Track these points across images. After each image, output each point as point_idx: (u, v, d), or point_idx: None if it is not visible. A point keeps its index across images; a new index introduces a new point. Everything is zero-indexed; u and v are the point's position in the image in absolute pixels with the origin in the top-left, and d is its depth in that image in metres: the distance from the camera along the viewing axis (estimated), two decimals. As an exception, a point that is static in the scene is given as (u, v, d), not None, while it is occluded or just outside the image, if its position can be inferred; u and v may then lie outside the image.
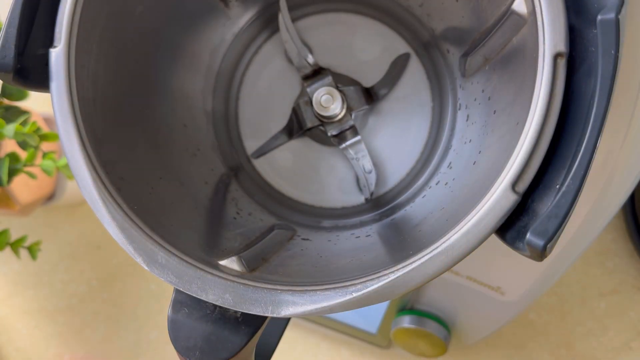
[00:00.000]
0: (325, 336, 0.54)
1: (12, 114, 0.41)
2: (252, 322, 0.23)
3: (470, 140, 0.30)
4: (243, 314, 0.22)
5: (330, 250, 0.30)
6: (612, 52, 0.19)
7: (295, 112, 0.34)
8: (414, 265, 0.20)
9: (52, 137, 0.39)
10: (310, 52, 0.34)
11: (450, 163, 0.32)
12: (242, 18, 0.35)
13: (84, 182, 0.22)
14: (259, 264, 0.25)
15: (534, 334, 0.52)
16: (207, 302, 0.22)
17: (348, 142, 0.33)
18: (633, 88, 0.31)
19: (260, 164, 0.35)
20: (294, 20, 0.34)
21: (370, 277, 0.21)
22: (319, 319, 0.50)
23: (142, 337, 0.57)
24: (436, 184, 0.32)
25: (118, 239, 0.22)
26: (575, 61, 0.21)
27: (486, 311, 0.41)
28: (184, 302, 0.23)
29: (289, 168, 0.35)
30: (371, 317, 0.47)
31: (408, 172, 0.34)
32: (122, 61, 0.27)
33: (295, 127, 0.34)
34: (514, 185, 0.20)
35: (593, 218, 0.35)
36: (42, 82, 0.23)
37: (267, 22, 0.35)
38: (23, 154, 0.41)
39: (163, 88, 0.31)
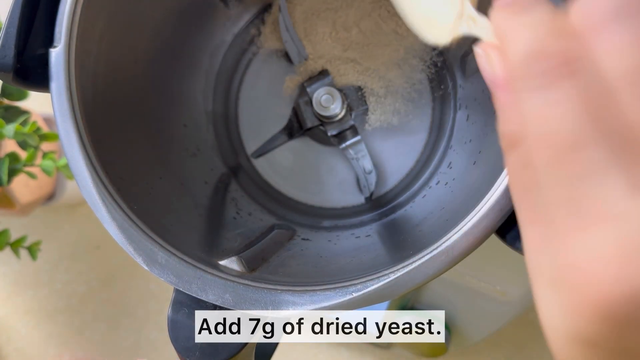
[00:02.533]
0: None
1: (12, 114, 0.41)
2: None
3: (470, 140, 0.30)
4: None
5: (330, 250, 0.30)
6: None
7: (296, 112, 0.34)
8: (414, 265, 0.20)
9: (52, 137, 0.39)
10: (310, 52, 0.34)
11: (450, 163, 0.32)
12: (242, 18, 0.35)
13: (84, 182, 0.22)
14: (259, 264, 0.25)
15: (534, 334, 0.52)
16: (207, 302, 0.22)
17: (348, 142, 0.33)
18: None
19: (260, 164, 0.35)
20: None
21: (371, 277, 0.21)
22: (319, 319, 0.49)
23: (142, 337, 0.57)
24: (436, 183, 0.32)
25: (118, 239, 0.22)
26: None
27: (486, 311, 0.41)
28: (184, 302, 0.23)
29: (289, 168, 0.35)
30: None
31: (408, 172, 0.34)
32: (122, 61, 0.27)
33: (295, 127, 0.34)
34: (514, 185, 0.20)
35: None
36: (42, 82, 0.23)
37: (267, 23, 0.35)
38: (23, 154, 0.41)
39: (163, 88, 0.31)
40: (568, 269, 0.11)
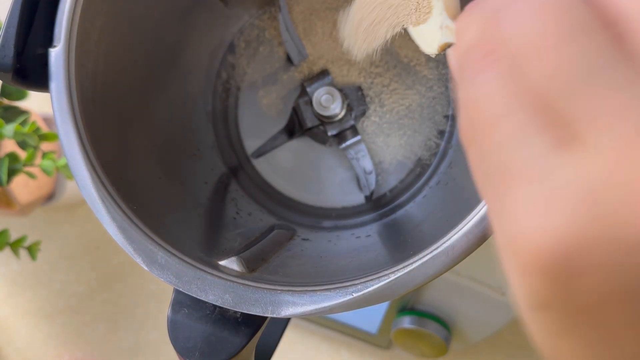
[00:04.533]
0: (325, 337, 0.54)
1: (12, 114, 0.41)
2: (252, 323, 0.22)
3: (471, 140, 0.30)
4: (243, 314, 0.22)
5: (330, 251, 0.30)
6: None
7: (296, 112, 0.34)
8: (414, 265, 0.20)
9: (51, 137, 0.38)
10: (310, 52, 0.34)
11: (450, 163, 0.32)
12: (241, 18, 0.35)
13: (83, 182, 0.22)
14: (259, 264, 0.25)
15: (534, 334, 0.52)
16: (207, 302, 0.22)
17: (348, 142, 0.33)
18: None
19: (260, 164, 0.35)
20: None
21: (371, 277, 0.21)
22: (319, 320, 0.50)
23: (142, 337, 0.57)
24: (437, 183, 0.32)
25: (118, 239, 0.22)
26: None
27: (486, 311, 0.41)
28: (183, 302, 0.23)
29: (289, 168, 0.35)
30: (371, 318, 0.47)
31: (408, 172, 0.34)
32: (122, 61, 0.27)
33: (296, 127, 0.34)
34: (514, 185, 0.20)
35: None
36: (41, 82, 0.23)
37: (267, 22, 0.35)
38: (23, 154, 0.41)
39: (163, 88, 0.31)
40: (510, 232, 0.12)
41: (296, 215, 0.34)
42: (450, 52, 0.15)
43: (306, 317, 0.50)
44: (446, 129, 0.33)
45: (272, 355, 0.31)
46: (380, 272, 0.21)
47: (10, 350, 0.57)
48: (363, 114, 0.34)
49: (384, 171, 0.34)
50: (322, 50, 0.34)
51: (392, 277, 0.20)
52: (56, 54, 0.22)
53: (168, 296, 0.23)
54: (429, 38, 0.19)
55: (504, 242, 0.12)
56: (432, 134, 0.33)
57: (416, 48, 0.33)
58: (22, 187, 0.47)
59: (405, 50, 0.33)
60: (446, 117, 0.33)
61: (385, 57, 0.34)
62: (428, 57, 0.33)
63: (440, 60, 0.33)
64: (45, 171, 0.39)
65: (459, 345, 0.45)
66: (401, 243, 0.27)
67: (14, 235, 0.44)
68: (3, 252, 0.43)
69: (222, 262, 0.23)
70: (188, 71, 0.33)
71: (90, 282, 0.57)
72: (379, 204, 0.34)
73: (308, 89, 0.33)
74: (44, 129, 0.47)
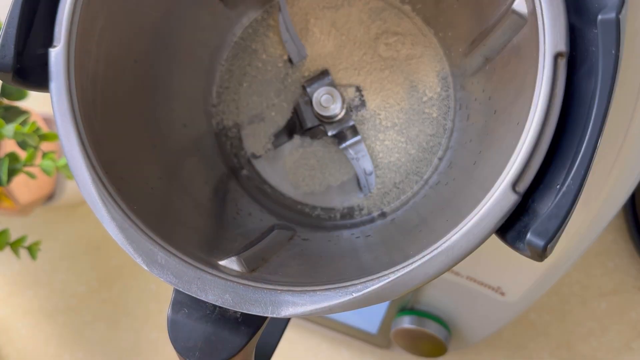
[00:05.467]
0: (325, 337, 0.54)
1: (12, 114, 0.41)
2: (252, 323, 0.23)
3: (471, 140, 0.30)
4: (243, 314, 0.22)
5: (330, 251, 0.30)
6: (613, 52, 0.19)
7: (296, 112, 0.34)
8: (414, 265, 0.20)
9: (51, 137, 0.39)
10: (310, 52, 0.34)
11: (450, 163, 0.32)
12: (242, 18, 0.35)
13: (83, 182, 0.22)
14: (259, 264, 0.25)
15: (534, 334, 0.52)
16: (207, 302, 0.22)
17: (348, 142, 0.33)
18: (633, 88, 0.31)
19: (260, 164, 0.35)
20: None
21: (371, 278, 0.21)
22: (319, 320, 0.50)
23: (142, 337, 0.57)
24: (436, 183, 0.32)
25: (118, 239, 0.22)
26: (575, 61, 0.21)
27: (486, 311, 0.41)
28: (183, 302, 0.23)
29: (289, 168, 0.35)
30: (371, 318, 0.47)
31: (408, 172, 0.34)
32: (122, 61, 0.27)
33: (296, 127, 0.34)
34: (514, 185, 0.20)
35: (593, 218, 0.35)
36: (41, 82, 0.23)
37: (267, 22, 0.35)
38: (23, 154, 0.41)
39: (163, 88, 0.31)
40: None
41: (296, 215, 0.34)
42: None
43: (306, 317, 0.50)
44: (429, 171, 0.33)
45: (272, 355, 0.31)
46: (380, 272, 0.21)
47: (11, 350, 0.57)
48: (363, 114, 0.34)
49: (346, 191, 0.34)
50: (321, 50, 0.34)
51: (392, 277, 0.20)
52: (56, 54, 0.22)
53: (168, 296, 0.23)
54: None
55: None
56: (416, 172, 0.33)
57: (429, 71, 0.33)
58: (22, 187, 0.47)
59: (416, 66, 0.33)
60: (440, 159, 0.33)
61: (398, 82, 0.34)
62: (442, 86, 0.33)
63: (448, 83, 0.33)
64: (45, 171, 0.39)
65: (459, 345, 0.45)
66: (401, 243, 0.27)
67: (14, 235, 0.44)
68: (3, 252, 0.43)
69: (222, 262, 0.23)
70: (188, 71, 0.33)
71: (91, 282, 0.58)
72: (379, 204, 0.34)
73: (308, 89, 0.33)
74: (44, 129, 0.47)
